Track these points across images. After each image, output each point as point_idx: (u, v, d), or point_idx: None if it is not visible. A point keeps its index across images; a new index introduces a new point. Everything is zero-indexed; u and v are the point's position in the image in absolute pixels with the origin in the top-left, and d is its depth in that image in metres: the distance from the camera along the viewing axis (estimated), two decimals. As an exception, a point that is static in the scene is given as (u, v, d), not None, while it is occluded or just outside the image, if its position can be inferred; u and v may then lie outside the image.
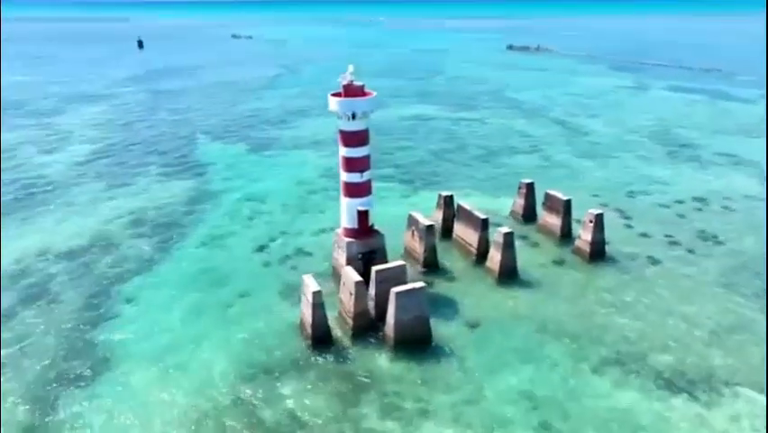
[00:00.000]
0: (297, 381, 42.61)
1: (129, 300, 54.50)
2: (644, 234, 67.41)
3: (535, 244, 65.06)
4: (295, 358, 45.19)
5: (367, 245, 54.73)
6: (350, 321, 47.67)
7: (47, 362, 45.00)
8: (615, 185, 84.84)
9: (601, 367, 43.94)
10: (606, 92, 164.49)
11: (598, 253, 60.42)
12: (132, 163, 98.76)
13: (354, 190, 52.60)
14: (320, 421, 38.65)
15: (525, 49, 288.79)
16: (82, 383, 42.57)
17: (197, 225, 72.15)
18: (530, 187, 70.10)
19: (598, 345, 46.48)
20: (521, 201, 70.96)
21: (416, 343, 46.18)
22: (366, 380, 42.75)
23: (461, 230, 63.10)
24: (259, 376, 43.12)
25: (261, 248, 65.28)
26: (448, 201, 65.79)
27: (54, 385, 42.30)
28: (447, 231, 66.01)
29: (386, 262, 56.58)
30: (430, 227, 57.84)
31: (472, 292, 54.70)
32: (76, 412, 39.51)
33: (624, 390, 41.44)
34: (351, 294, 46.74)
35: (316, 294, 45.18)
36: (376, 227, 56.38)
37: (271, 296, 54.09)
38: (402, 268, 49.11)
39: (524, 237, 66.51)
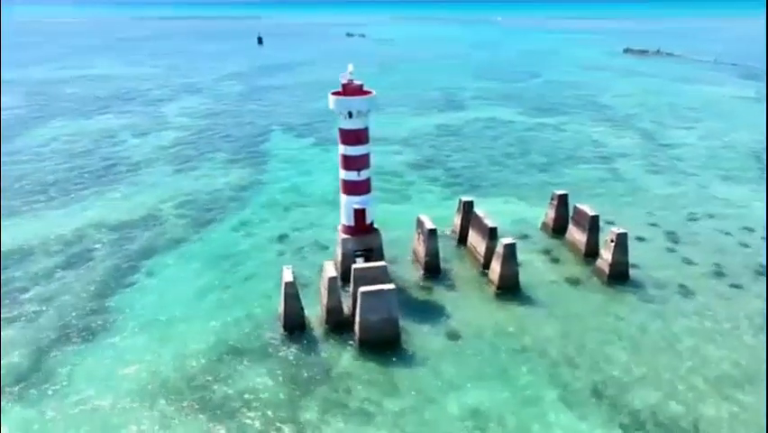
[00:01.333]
0: (257, 364, 44.44)
1: (150, 274, 59.86)
2: (688, 261, 60.58)
3: (555, 260, 61.22)
4: (265, 344, 47.05)
5: (363, 243, 55.21)
6: (324, 315, 48.53)
7: (59, 318, 51.14)
8: (678, 204, 76.79)
9: (571, 397, 40.77)
10: (718, 102, 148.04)
11: (618, 275, 55.55)
12: (205, 150, 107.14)
13: (351, 188, 53.27)
14: (262, 405, 40.10)
15: (643, 53, 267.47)
16: (79, 340, 47.94)
17: (236, 212, 76.84)
18: (562, 198, 65.92)
19: (577, 374, 43.09)
20: (552, 213, 67.02)
21: (383, 344, 45.96)
22: (321, 373, 43.44)
23: (473, 237, 61.18)
24: (226, 356, 45.54)
25: (282, 238, 68.10)
26: (467, 207, 63.86)
27: (57, 338, 48.00)
28: (464, 237, 64.14)
29: (383, 260, 56.73)
30: (432, 231, 56.83)
31: (465, 302, 53.03)
32: (65, 363, 44.61)
33: (586, 424, 38.15)
34: (325, 289, 47.58)
35: (288, 285, 46.66)
36: (376, 226, 56.62)
37: (271, 284, 56.13)
38: (383, 269, 48.95)
39: (546, 252, 63.00)
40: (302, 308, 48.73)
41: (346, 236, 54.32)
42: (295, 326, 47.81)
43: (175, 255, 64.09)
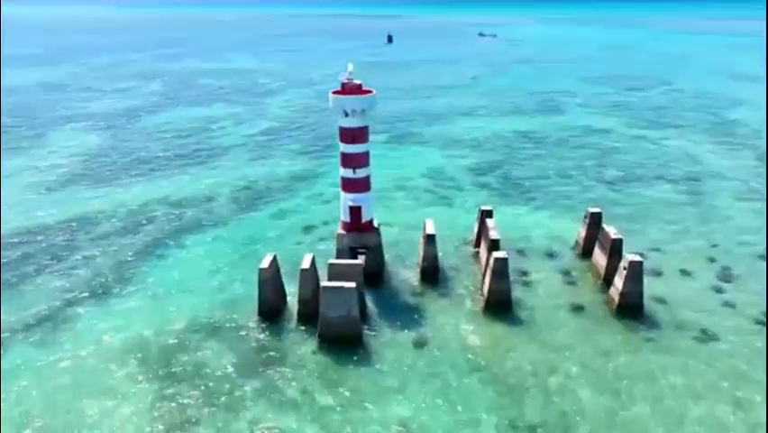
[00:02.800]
0: (221, 343, 47.38)
1: (179, 248, 66.08)
2: (730, 305, 52.30)
3: (571, 283, 56.50)
4: (237, 326, 49.81)
5: (359, 240, 55.70)
6: (297, 306, 50.09)
7: (85, 277, 58.88)
8: (754, 240, 65.94)
9: (508, 431, 37.95)
10: None
11: (628, 307, 49.91)
12: (285, 141, 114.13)
13: (347, 185, 54.05)
14: (208, 378, 42.87)
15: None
16: (90, 300, 54.81)
17: (281, 200, 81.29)
18: (595, 217, 60.30)
19: (527, 408, 39.83)
20: (583, 232, 61.69)
21: (342, 341, 46.36)
22: (273, 360, 45.14)
23: (481, 248, 58.60)
24: (198, 332, 49.03)
25: (309, 229, 70.73)
26: (486, 215, 61.27)
27: (73, 294, 55.40)
28: (478, 246, 61.70)
29: (380, 259, 56.98)
30: (431, 237, 55.61)
31: (448, 313, 51.34)
32: (71, 317, 51.53)
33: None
34: (297, 280, 49.12)
35: (262, 271, 48.89)
36: (377, 224, 56.86)
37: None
38: (358, 268, 49.21)
39: (566, 272, 58.47)
40: (282, 296, 50.61)
41: (342, 232, 55.05)
42: (269, 312, 49.83)
43: (210, 234, 69.70)
